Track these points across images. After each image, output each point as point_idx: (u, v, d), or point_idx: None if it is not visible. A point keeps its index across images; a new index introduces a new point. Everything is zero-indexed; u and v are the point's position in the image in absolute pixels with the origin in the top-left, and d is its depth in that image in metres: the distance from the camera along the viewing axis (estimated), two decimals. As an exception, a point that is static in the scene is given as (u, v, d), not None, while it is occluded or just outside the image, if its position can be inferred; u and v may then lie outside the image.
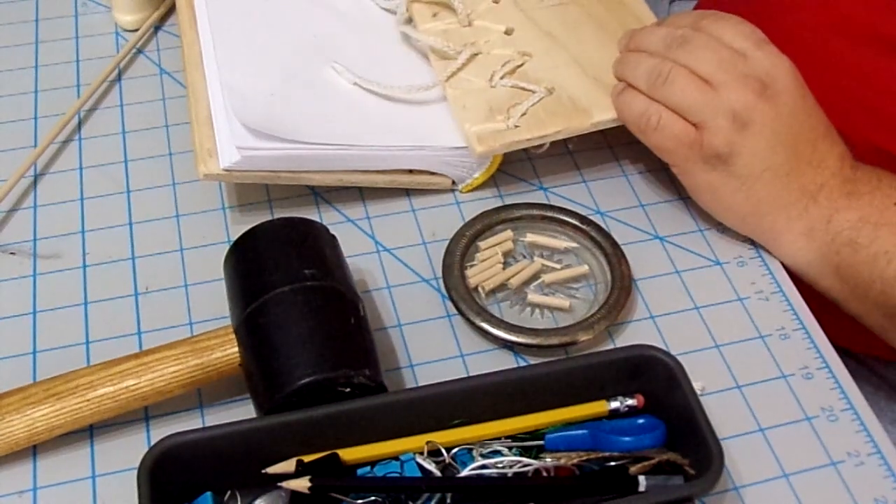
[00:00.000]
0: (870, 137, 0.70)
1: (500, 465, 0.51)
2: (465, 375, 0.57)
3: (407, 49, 0.72)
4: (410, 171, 0.66)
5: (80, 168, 0.69)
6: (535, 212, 0.64)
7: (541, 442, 0.52)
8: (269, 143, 0.61)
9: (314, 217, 0.63)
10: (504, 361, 0.59)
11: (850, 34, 0.72)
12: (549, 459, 0.51)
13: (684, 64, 0.60)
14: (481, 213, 0.64)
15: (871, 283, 0.59)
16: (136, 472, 0.47)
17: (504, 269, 0.62)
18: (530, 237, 0.64)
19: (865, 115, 0.71)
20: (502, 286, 0.62)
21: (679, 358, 0.53)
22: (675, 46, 0.61)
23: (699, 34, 0.61)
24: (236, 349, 0.53)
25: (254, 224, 0.57)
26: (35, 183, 0.68)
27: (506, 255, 0.63)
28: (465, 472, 0.51)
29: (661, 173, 0.69)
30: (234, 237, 0.57)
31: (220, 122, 0.62)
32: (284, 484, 0.49)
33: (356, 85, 0.67)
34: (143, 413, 0.55)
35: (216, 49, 0.66)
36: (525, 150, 0.66)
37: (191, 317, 0.60)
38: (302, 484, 0.48)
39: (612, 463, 0.51)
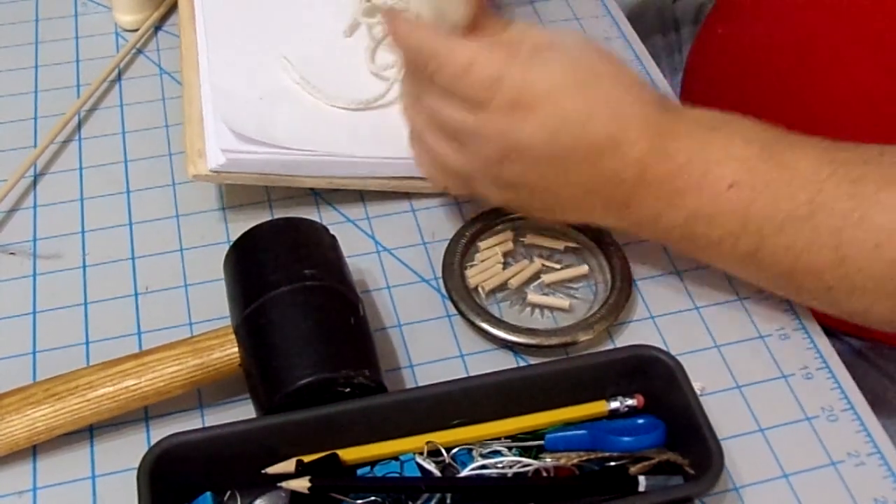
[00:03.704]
0: None
1: (499, 466, 0.51)
2: (465, 375, 0.57)
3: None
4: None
5: (80, 168, 0.69)
6: (535, 212, 0.65)
7: (541, 442, 0.52)
8: (253, 147, 0.62)
9: (314, 217, 0.63)
10: (504, 361, 0.59)
11: (884, 50, 0.68)
12: (548, 459, 0.51)
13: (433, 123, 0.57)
14: (481, 213, 0.64)
15: (723, 261, 0.57)
16: (136, 472, 0.47)
17: (504, 269, 0.62)
18: (530, 237, 0.64)
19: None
20: (502, 286, 0.62)
21: (679, 358, 0.53)
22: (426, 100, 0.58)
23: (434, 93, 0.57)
24: (236, 349, 0.53)
25: (254, 224, 0.57)
26: (35, 183, 0.68)
27: (506, 255, 0.63)
28: (464, 473, 0.51)
29: (661, 173, 0.69)
30: (234, 237, 0.57)
31: (209, 123, 0.63)
32: (284, 484, 0.49)
33: (298, 84, 0.67)
34: (143, 413, 0.55)
35: (208, 51, 0.67)
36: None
37: (191, 317, 0.60)
38: (302, 484, 0.48)
39: (612, 463, 0.51)
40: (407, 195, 0.67)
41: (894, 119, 0.69)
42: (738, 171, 0.53)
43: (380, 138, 0.65)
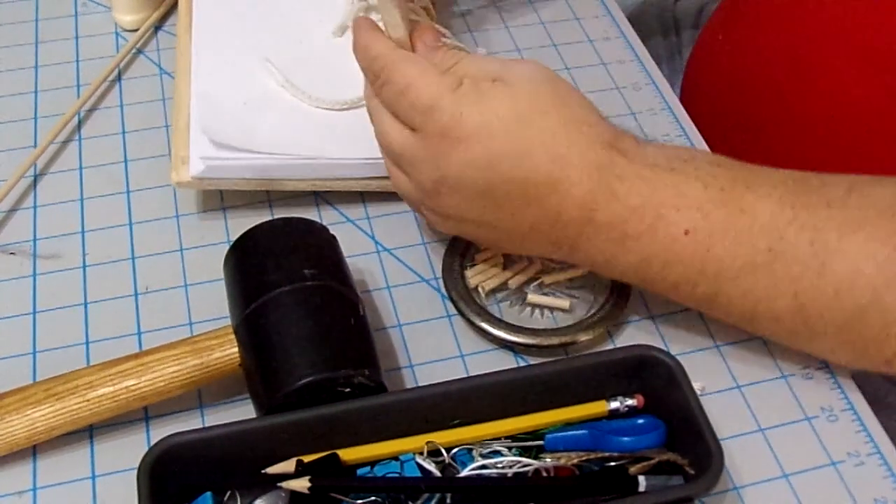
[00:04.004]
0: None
1: (499, 466, 0.51)
2: (465, 375, 0.57)
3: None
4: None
5: (80, 168, 0.69)
6: (535, 212, 0.64)
7: (540, 442, 0.52)
8: (229, 154, 0.62)
9: (314, 217, 0.63)
10: (504, 361, 0.59)
11: (891, 28, 0.67)
12: (548, 459, 0.51)
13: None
14: (481, 214, 0.64)
15: (682, 302, 0.56)
16: (135, 472, 0.47)
17: (504, 269, 0.62)
18: (530, 237, 0.64)
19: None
20: (502, 286, 0.62)
21: (679, 358, 0.53)
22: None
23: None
24: (236, 349, 0.53)
25: (253, 224, 0.57)
26: (35, 183, 0.68)
27: (506, 255, 0.63)
28: (464, 473, 0.51)
29: (661, 173, 0.69)
30: (234, 237, 0.57)
31: (193, 130, 0.63)
32: (284, 484, 0.49)
33: (282, 87, 0.67)
34: (142, 413, 0.55)
35: (194, 57, 0.67)
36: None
37: (190, 317, 0.60)
38: (301, 484, 0.48)
39: (612, 463, 0.51)
40: (407, 195, 0.67)
41: (887, 134, 0.69)
42: (695, 217, 0.52)
43: (365, 138, 0.65)
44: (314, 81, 0.67)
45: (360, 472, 0.51)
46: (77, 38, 0.79)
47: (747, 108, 0.79)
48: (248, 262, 0.56)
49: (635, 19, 0.89)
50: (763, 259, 0.51)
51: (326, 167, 0.64)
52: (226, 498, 0.51)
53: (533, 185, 0.52)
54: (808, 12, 0.74)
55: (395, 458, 0.51)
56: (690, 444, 0.50)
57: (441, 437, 0.51)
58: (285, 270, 0.54)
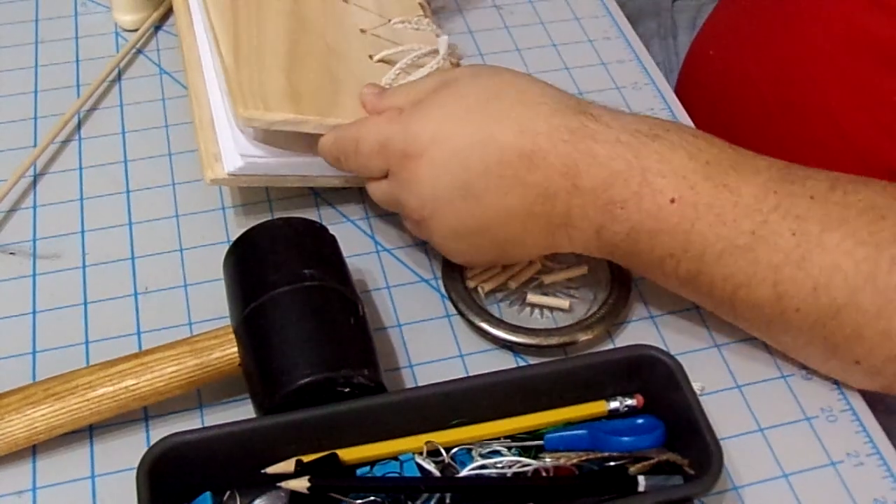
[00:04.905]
0: (889, 159, 0.68)
1: (499, 466, 0.51)
2: (465, 375, 0.57)
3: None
4: None
5: (80, 168, 0.69)
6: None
7: (540, 442, 0.52)
8: (269, 150, 0.61)
9: (314, 217, 0.63)
10: (503, 361, 0.59)
11: (874, 53, 0.68)
12: (548, 459, 0.51)
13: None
14: (481, 214, 0.64)
15: (668, 281, 0.55)
16: (135, 472, 0.47)
17: (503, 269, 0.62)
18: (530, 237, 0.64)
19: (887, 137, 0.68)
20: (502, 286, 0.62)
21: (678, 358, 0.53)
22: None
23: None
24: (236, 349, 0.53)
25: (253, 224, 0.57)
26: (35, 183, 0.68)
27: (505, 255, 0.63)
28: (464, 473, 0.51)
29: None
30: (234, 237, 0.57)
31: (222, 126, 0.62)
32: (284, 484, 0.49)
33: None
34: (142, 413, 0.55)
35: (210, 54, 0.66)
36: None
37: (190, 317, 0.60)
38: (301, 484, 0.48)
39: (612, 463, 0.51)
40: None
41: (873, 156, 0.69)
42: (681, 185, 0.51)
43: None
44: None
45: (359, 471, 0.51)
46: (77, 38, 0.79)
47: (734, 124, 0.79)
48: (248, 261, 0.56)
49: (634, 20, 0.89)
50: (745, 241, 0.51)
51: None
52: (225, 498, 0.51)
53: (507, 164, 0.52)
54: (795, 33, 0.74)
55: (395, 458, 0.51)
56: (690, 444, 0.50)
57: (440, 437, 0.51)
58: (285, 270, 0.54)
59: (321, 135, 0.60)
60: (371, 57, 0.68)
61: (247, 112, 0.57)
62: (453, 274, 0.61)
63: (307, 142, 0.61)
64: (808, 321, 0.52)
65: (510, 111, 0.53)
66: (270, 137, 0.61)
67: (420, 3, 0.74)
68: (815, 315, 0.52)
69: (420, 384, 0.57)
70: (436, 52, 0.68)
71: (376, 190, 0.59)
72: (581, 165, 0.52)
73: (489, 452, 0.52)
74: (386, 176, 0.57)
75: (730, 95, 0.81)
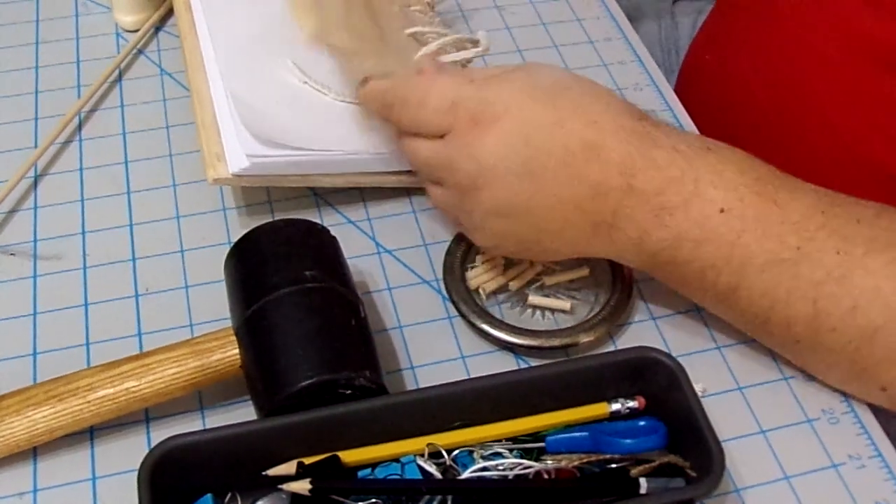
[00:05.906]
0: (886, 163, 0.68)
1: (500, 468, 0.51)
2: (466, 377, 0.57)
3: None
4: None
5: (81, 169, 0.69)
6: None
7: (542, 444, 0.52)
8: (277, 150, 0.61)
9: (315, 219, 0.63)
10: (505, 363, 0.59)
11: (870, 56, 0.68)
12: (550, 461, 0.51)
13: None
14: (482, 215, 0.64)
15: (703, 295, 0.56)
16: (136, 474, 0.47)
17: (505, 270, 0.62)
18: (531, 238, 0.64)
19: (884, 140, 0.68)
20: (503, 288, 0.62)
21: (680, 360, 0.52)
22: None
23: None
24: (237, 351, 0.53)
25: (255, 225, 0.57)
26: (35, 184, 0.68)
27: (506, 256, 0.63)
28: (465, 475, 0.51)
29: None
30: (235, 238, 0.57)
31: (226, 127, 0.62)
32: (285, 486, 0.48)
33: (305, 84, 0.67)
34: (143, 415, 0.55)
35: (217, 58, 0.66)
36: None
37: (191, 318, 0.60)
38: (302, 486, 0.48)
39: (614, 465, 0.51)
40: (408, 196, 0.67)
41: (868, 161, 0.69)
42: (731, 197, 0.52)
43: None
44: (334, 76, 0.67)
45: (360, 474, 0.51)
46: (78, 38, 0.79)
47: (732, 131, 0.79)
48: (249, 263, 0.56)
49: (634, 21, 0.89)
50: (790, 255, 0.51)
51: (366, 162, 0.64)
52: (226, 500, 0.51)
53: (571, 152, 0.52)
54: (791, 36, 0.74)
55: (396, 460, 0.51)
56: (692, 446, 0.50)
57: (442, 439, 0.51)
58: (286, 272, 0.54)
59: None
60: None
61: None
62: (454, 275, 0.61)
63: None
64: (840, 341, 0.52)
65: (580, 102, 0.54)
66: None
67: (427, 2, 0.74)
68: (849, 336, 0.51)
69: (421, 386, 0.57)
70: (471, 41, 0.68)
71: (424, 148, 0.57)
72: (639, 166, 0.52)
73: (491, 454, 0.52)
74: (440, 137, 0.56)
75: (727, 98, 0.81)
